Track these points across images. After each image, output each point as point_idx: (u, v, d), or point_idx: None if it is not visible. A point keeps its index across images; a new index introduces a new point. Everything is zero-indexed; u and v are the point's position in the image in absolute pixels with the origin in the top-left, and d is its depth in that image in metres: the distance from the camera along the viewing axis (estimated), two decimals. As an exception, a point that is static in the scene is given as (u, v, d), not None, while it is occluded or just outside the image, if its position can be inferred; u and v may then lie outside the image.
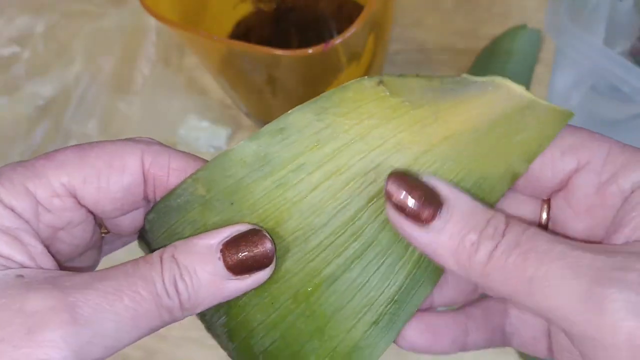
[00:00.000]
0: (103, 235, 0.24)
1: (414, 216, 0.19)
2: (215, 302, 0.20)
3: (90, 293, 0.18)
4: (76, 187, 0.20)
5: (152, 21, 0.56)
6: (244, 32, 0.52)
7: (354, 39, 0.37)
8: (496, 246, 0.18)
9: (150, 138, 0.22)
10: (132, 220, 0.23)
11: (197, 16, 0.48)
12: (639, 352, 0.16)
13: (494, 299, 0.23)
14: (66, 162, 0.20)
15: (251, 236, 0.20)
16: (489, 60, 0.53)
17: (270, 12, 0.53)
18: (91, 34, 0.59)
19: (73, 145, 0.21)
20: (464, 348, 0.23)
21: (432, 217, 0.19)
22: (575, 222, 0.21)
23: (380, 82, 0.21)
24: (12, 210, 0.20)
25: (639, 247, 0.18)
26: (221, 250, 0.20)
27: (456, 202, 0.19)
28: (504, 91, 0.20)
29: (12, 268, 0.19)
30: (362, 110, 0.21)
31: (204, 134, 0.52)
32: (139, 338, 0.20)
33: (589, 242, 0.20)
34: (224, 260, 0.20)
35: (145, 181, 0.21)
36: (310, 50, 0.36)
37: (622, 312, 0.16)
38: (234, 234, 0.20)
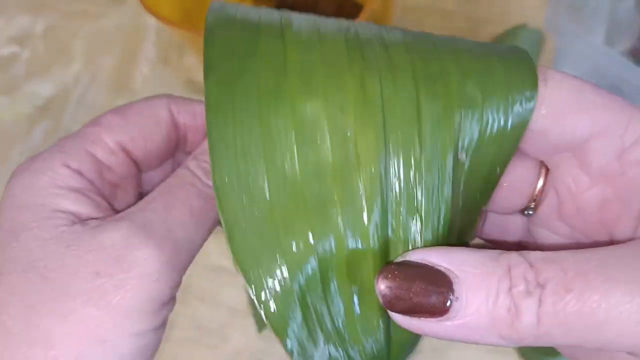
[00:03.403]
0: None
1: (428, 311, 0.16)
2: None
3: (151, 211, 0.20)
4: (126, 144, 0.23)
5: (152, 21, 0.56)
6: (243, 31, 0.52)
7: (354, 38, 0.37)
8: (540, 302, 0.15)
9: (168, 94, 0.24)
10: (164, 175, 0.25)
11: (197, 15, 0.48)
12: None
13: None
14: (113, 124, 0.22)
15: None
16: (489, 60, 0.53)
17: (270, 11, 0.53)
18: (91, 34, 0.59)
19: (111, 110, 0.23)
20: None
21: (446, 303, 0.16)
22: (590, 190, 0.19)
23: None
24: (79, 172, 0.21)
25: None
26: None
27: (462, 269, 0.16)
28: None
29: (77, 223, 0.20)
30: None
31: (203, 133, 0.52)
32: (207, 233, 0.21)
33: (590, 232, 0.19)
34: None
35: (177, 128, 0.24)
36: (310, 50, 0.36)
37: None
38: None
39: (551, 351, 0.39)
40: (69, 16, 0.60)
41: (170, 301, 0.21)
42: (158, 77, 0.56)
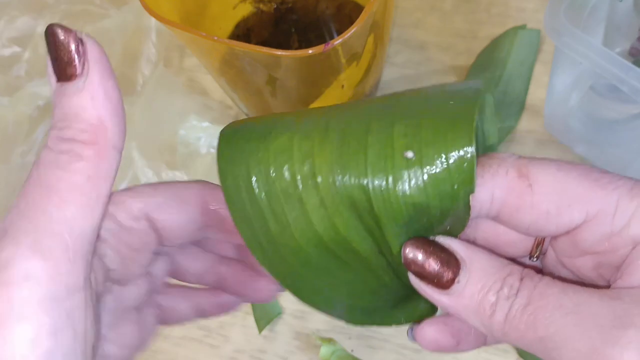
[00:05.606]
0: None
1: (435, 282, 0.20)
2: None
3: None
4: (150, 213, 0.22)
5: (153, 22, 0.56)
6: (244, 32, 0.52)
7: (353, 39, 0.37)
8: (510, 306, 0.19)
9: (203, 181, 0.25)
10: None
11: (197, 17, 0.48)
12: None
13: None
14: (143, 192, 0.22)
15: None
16: (489, 60, 0.53)
17: (270, 12, 0.53)
18: (92, 35, 0.59)
19: (145, 184, 0.23)
20: (483, 343, 0.23)
21: (452, 281, 0.20)
22: (580, 260, 0.21)
23: None
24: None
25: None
26: None
27: (473, 262, 0.20)
28: None
29: None
30: None
31: (204, 134, 0.52)
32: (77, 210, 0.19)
33: (592, 285, 0.20)
34: None
35: (204, 213, 0.23)
36: (310, 51, 0.36)
37: None
38: None
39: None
40: (70, 17, 0.60)
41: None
42: (159, 78, 0.56)
